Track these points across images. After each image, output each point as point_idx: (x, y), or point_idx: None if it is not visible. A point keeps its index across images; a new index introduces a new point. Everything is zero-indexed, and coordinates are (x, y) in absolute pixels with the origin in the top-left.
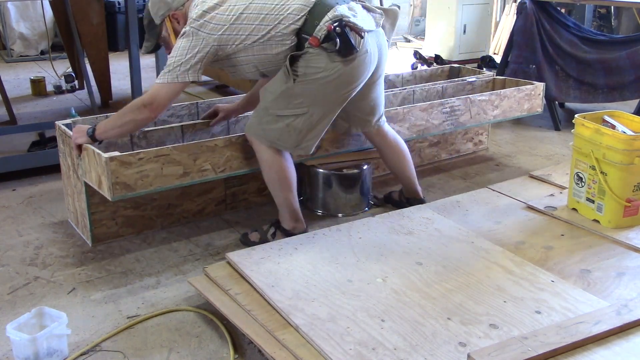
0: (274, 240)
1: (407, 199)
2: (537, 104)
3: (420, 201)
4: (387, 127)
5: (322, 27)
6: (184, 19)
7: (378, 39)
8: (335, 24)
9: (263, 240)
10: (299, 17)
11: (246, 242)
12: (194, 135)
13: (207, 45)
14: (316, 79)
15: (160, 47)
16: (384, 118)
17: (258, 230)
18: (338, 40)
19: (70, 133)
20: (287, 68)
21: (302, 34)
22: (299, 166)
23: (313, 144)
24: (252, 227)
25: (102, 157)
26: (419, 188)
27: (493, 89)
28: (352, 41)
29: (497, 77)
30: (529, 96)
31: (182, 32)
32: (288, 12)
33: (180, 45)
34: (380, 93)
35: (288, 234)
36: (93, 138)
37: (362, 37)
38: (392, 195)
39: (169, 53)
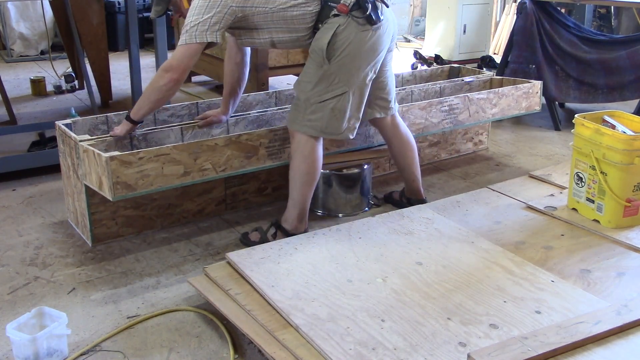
0: (274, 241)
1: (408, 199)
2: (535, 102)
3: (422, 201)
4: (400, 119)
5: None
6: None
7: (391, 12)
8: None
9: (263, 240)
10: None
11: (246, 242)
12: (193, 138)
13: (226, 7)
14: (347, 51)
15: (168, 12)
16: (397, 105)
17: (258, 230)
18: (369, 8)
19: (71, 133)
20: (318, 51)
21: (328, 2)
22: None
23: (356, 123)
24: (253, 227)
25: (102, 157)
26: (421, 188)
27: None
28: (379, 11)
29: (495, 77)
30: (527, 94)
31: None
32: None
33: (197, 4)
34: (392, 71)
35: (289, 234)
36: (131, 121)
37: (387, 6)
38: (393, 195)
39: (179, 17)
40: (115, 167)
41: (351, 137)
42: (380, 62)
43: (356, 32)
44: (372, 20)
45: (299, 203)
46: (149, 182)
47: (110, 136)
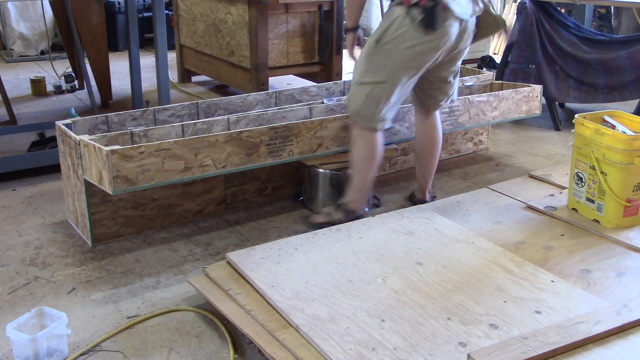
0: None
1: (411, 194)
2: (535, 106)
3: (422, 201)
4: (439, 121)
5: None
6: None
7: (467, 27)
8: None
9: (331, 222)
10: None
11: (315, 226)
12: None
13: None
14: (396, 43)
15: None
16: (445, 105)
17: (322, 213)
18: (424, 13)
19: (71, 133)
20: (374, 32)
21: None
22: (299, 166)
23: (390, 115)
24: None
25: (103, 150)
26: (427, 189)
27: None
28: (436, 20)
29: (495, 81)
30: (527, 98)
31: None
32: None
33: None
34: (457, 79)
35: (351, 214)
36: (350, 30)
37: (445, 21)
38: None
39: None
40: (115, 160)
41: (380, 128)
42: (427, 66)
43: (408, 28)
44: (424, 25)
45: (361, 185)
46: (149, 176)
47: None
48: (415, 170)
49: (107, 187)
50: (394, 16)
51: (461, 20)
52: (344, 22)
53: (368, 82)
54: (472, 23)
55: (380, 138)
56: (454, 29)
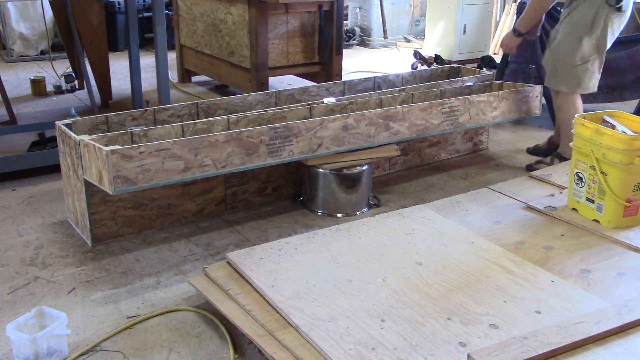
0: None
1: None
2: (535, 106)
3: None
4: None
5: None
6: None
7: None
8: None
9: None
10: None
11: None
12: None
13: None
14: (602, 29)
15: None
16: None
17: (542, 161)
18: None
19: (71, 133)
20: (584, 27)
21: None
22: (299, 166)
23: (597, 82)
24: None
25: (103, 150)
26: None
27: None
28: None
29: (495, 81)
30: (527, 98)
31: None
32: None
33: None
34: None
35: (561, 158)
36: (519, 34)
37: None
38: (539, 146)
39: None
40: (115, 160)
41: (595, 89)
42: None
43: (609, 12)
44: (621, 8)
45: (569, 136)
46: (149, 176)
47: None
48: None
49: (107, 187)
50: (594, 9)
51: None
52: (516, 27)
53: (584, 62)
54: None
55: (579, 98)
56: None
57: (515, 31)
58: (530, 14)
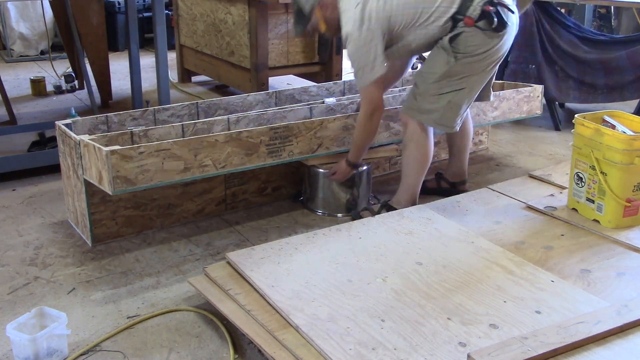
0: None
1: (453, 183)
2: (536, 106)
3: (464, 182)
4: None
5: (475, 8)
6: (334, 7)
7: (515, 11)
8: (491, 6)
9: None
10: (455, 2)
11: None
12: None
13: (377, 35)
14: (474, 55)
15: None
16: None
17: (369, 209)
18: (495, 19)
19: (71, 133)
20: (447, 49)
21: (456, 15)
22: (299, 166)
23: (462, 118)
24: (361, 206)
25: (103, 151)
26: (467, 171)
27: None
28: (504, 17)
29: (495, 80)
30: (528, 98)
31: (346, 34)
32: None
33: (355, 49)
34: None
35: (390, 209)
36: (355, 166)
37: (512, 12)
38: (427, 186)
39: (321, 35)
40: (115, 161)
41: (457, 129)
42: (501, 61)
43: (483, 38)
44: (498, 29)
45: (411, 187)
46: (149, 177)
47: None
48: (455, 160)
49: (106, 188)
50: (463, 37)
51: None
52: (349, 159)
53: (448, 92)
54: (515, 4)
55: (432, 139)
56: (514, 16)
57: (349, 164)
58: (360, 144)
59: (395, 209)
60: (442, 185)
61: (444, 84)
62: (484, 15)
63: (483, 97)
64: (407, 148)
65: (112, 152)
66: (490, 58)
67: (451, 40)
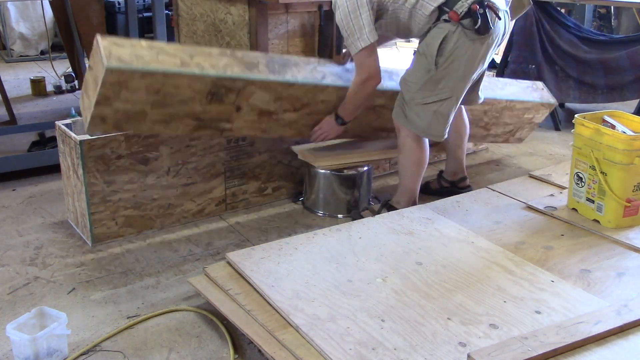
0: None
1: (452, 182)
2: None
3: (465, 178)
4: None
5: (463, 4)
6: None
7: (505, 17)
8: (479, 6)
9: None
10: None
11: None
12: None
13: (364, 4)
14: (455, 59)
15: None
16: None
17: (369, 209)
18: (479, 19)
19: (71, 133)
20: (427, 55)
21: (443, 5)
22: (299, 166)
23: (449, 125)
24: (361, 207)
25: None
26: (465, 168)
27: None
28: (489, 21)
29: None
30: (531, 88)
31: (334, 3)
32: None
33: (343, 16)
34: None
35: (391, 208)
36: (343, 122)
37: (499, 18)
38: (430, 187)
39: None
40: (108, 44)
41: (446, 136)
42: (485, 66)
43: (465, 41)
44: (481, 31)
45: (409, 190)
46: (145, 61)
47: (314, 140)
48: (452, 158)
49: (101, 65)
50: (443, 34)
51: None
52: (339, 113)
53: (433, 101)
54: (507, 13)
55: (427, 142)
56: (500, 23)
57: (338, 118)
58: (353, 105)
59: (396, 209)
60: (443, 185)
61: (427, 94)
62: (470, 13)
63: (470, 101)
64: (402, 152)
65: (104, 38)
66: (475, 62)
67: (436, 46)
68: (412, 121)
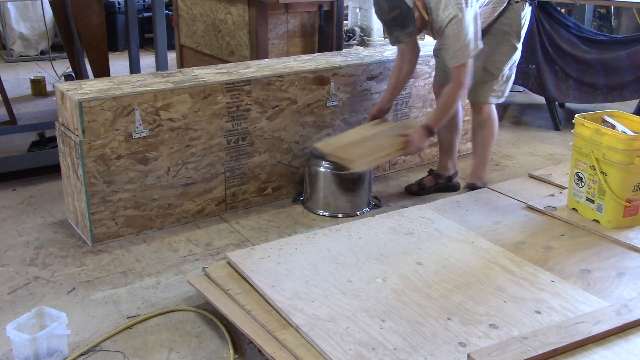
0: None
1: (449, 177)
2: None
3: (456, 174)
4: None
5: None
6: None
7: None
8: None
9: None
10: None
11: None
12: None
13: (477, 13)
14: (525, 29)
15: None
16: None
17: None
18: None
19: (71, 133)
20: (516, 34)
21: None
22: (299, 166)
23: None
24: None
25: None
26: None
27: None
28: None
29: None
30: None
31: (451, 17)
32: None
33: (461, 27)
34: None
35: (475, 188)
36: (432, 133)
37: None
38: (426, 184)
39: (418, 33)
40: None
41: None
42: None
43: (527, 10)
44: (533, 1)
45: (487, 161)
46: None
47: (410, 154)
48: (445, 155)
49: None
50: (520, 11)
51: None
52: (430, 124)
53: (512, 69)
54: None
55: None
56: None
57: (429, 131)
58: (448, 110)
59: (480, 187)
60: (439, 182)
61: (511, 64)
62: None
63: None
64: (484, 129)
65: None
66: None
67: (519, 23)
68: (500, 92)
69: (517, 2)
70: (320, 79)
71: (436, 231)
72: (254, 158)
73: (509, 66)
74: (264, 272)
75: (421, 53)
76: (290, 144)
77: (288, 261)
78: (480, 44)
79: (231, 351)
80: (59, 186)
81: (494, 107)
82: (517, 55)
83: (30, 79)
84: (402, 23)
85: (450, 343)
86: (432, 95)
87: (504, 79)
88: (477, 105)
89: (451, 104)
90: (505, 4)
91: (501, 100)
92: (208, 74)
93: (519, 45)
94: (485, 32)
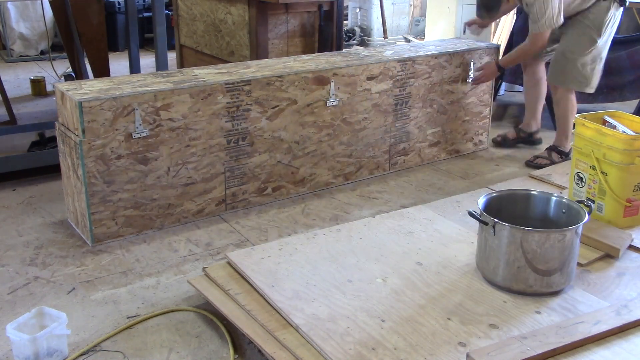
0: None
1: (530, 133)
2: None
3: (538, 131)
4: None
5: None
6: None
7: None
8: None
9: (551, 162)
10: None
11: (534, 165)
12: None
13: None
14: (610, 28)
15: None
16: None
17: (540, 157)
18: None
19: (71, 133)
20: (598, 30)
21: None
22: (300, 166)
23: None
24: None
25: None
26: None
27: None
28: None
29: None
30: None
31: None
32: None
33: (548, 4)
34: None
35: (565, 154)
36: (501, 70)
37: None
38: (508, 137)
39: (497, 13)
40: None
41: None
42: None
43: (614, 11)
44: (624, 3)
45: (567, 132)
46: None
47: (475, 81)
48: (529, 111)
49: None
50: (606, 9)
51: None
52: (501, 63)
53: (594, 62)
54: None
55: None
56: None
57: (498, 67)
58: (519, 56)
59: (565, 151)
60: (520, 136)
61: (590, 56)
62: None
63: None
64: (559, 107)
65: None
66: (614, 28)
67: (603, 20)
68: (579, 80)
69: (605, 0)
70: (320, 79)
71: (436, 231)
72: (254, 158)
73: (589, 58)
74: (264, 272)
75: (421, 53)
76: (290, 144)
77: (288, 261)
78: (561, 19)
79: (231, 351)
80: (59, 186)
81: (568, 91)
82: (598, 50)
83: (30, 79)
84: (488, 5)
85: (450, 343)
86: (432, 95)
87: (583, 68)
88: (552, 85)
89: (521, 55)
90: (594, 0)
91: (585, 90)
92: (208, 74)
93: (600, 41)
94: (570, 20)
